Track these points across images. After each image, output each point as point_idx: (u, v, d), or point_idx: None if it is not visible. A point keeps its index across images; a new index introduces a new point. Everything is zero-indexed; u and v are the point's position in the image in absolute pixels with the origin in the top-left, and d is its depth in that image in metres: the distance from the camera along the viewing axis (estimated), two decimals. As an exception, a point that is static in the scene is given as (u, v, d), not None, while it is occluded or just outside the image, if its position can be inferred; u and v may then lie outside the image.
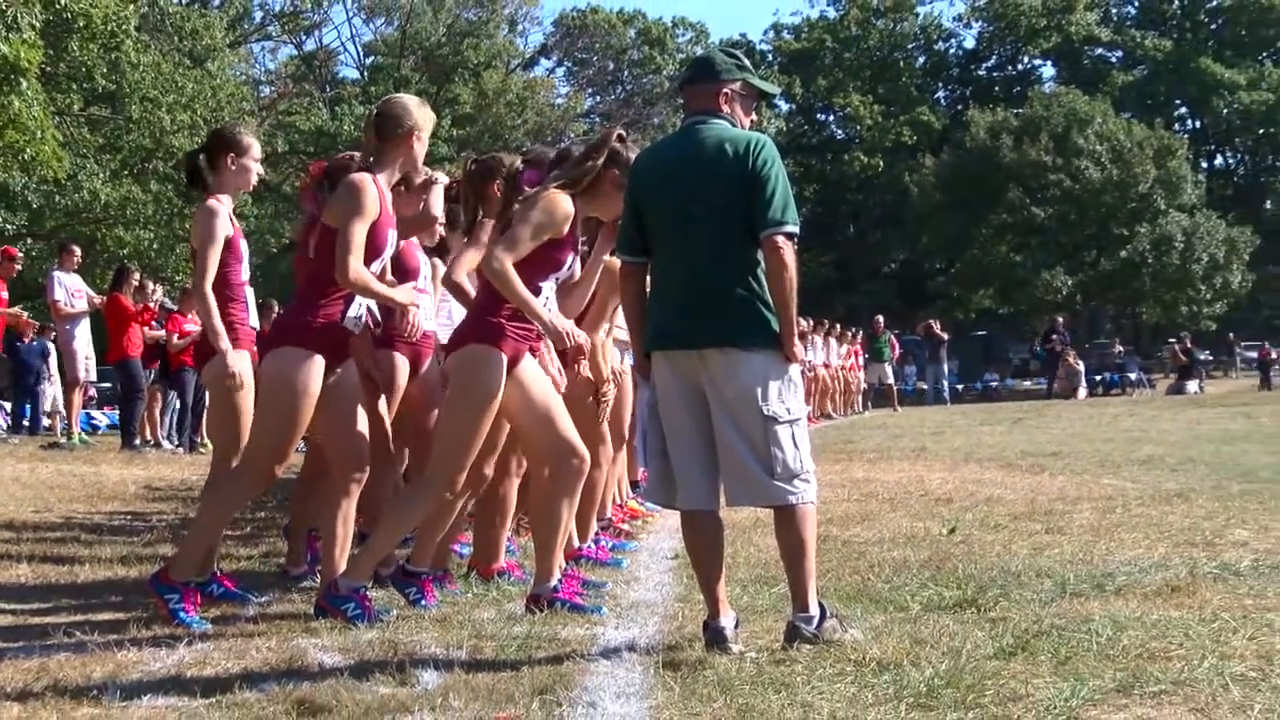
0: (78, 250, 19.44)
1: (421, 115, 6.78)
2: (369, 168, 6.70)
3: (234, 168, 7.30)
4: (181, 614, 6.50)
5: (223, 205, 7.24)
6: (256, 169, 7.45)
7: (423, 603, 6.86)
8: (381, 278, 6.82)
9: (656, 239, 5.90)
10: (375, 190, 6.55)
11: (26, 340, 20.98)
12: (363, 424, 6.76)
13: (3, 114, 22.76)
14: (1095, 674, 4.98)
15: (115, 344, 18.45)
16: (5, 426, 21.23)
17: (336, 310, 6.59)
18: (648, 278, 6.03)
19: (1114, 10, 78.65)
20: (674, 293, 5.81)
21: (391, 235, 6.77)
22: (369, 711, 4.76)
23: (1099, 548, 8.34)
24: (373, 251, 6.56)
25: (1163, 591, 6.71)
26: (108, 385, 34.02)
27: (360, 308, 6.71)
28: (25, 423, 21.44)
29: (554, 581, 6.67)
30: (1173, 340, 48.87)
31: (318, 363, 6.51)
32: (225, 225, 7.17)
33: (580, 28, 70.93)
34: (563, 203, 6.43)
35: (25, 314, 19.13)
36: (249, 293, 7.61)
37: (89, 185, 35.37)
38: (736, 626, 5.78)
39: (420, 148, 6.81)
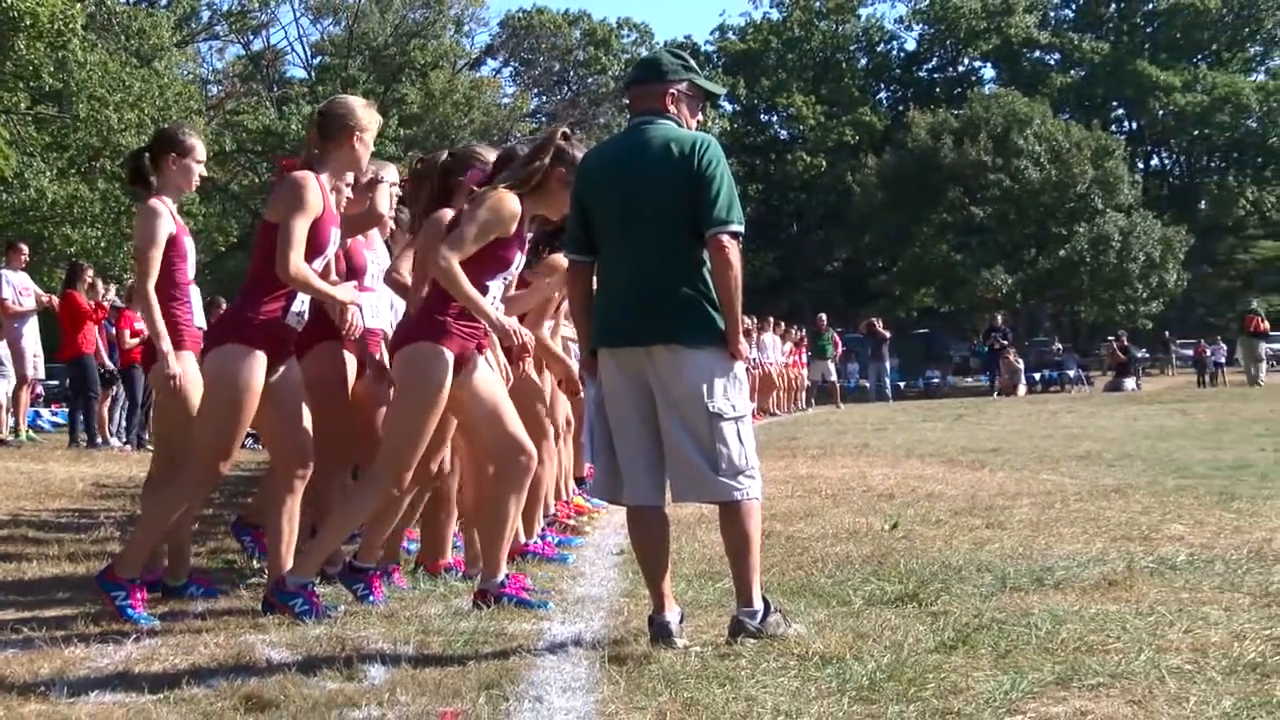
0: (25, 248, 19.30)
1: (365, 116, 6.75)
2: (311, 166, 6.67)
3: (176, 168, 7.24)
4: (129, 610, 6.46)
5: (165, 205, 7.18)
6: (199, 169, 7.38)
7: (370, 598, 6.84)
8: (324, 276, 6.79)
9: (603, 237, 5.90)
10: (318, 188, 6.52)
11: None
12: (306, 421, 6.73)
13: (-51, 113, 22.61)
14: (1035, 667, 5.00)
15: (69, 341, 18.33)
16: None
17: (278, 307, 6.55)
18: (594, 276, 6.04)
19: (1052, 13, 79.11)
20: (620, 291, 5.80)
21: (334, 234, 6.74)
22: (316, 706, 4.74)
23: (1038, 543, 8.39)
24: (314, 249, 6.52)
25: (1100, 586, 6.75)
26: (55, 383, 33.81)
27: (302, 305, 6.67)
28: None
29: (500, 577, 6.66)
30: (1110, 338, 49.18)
31: (260, 359, 6.47)
32: (168, 224, 7.10)
33: (526, 28, 70.92)
34: (509, 202, 6.42)
35: None
36: (194, 292, 7.56)
37: (36, 183, 35.17)
38: (681, 621, 5.78)
39: (363, 148, 6.77)
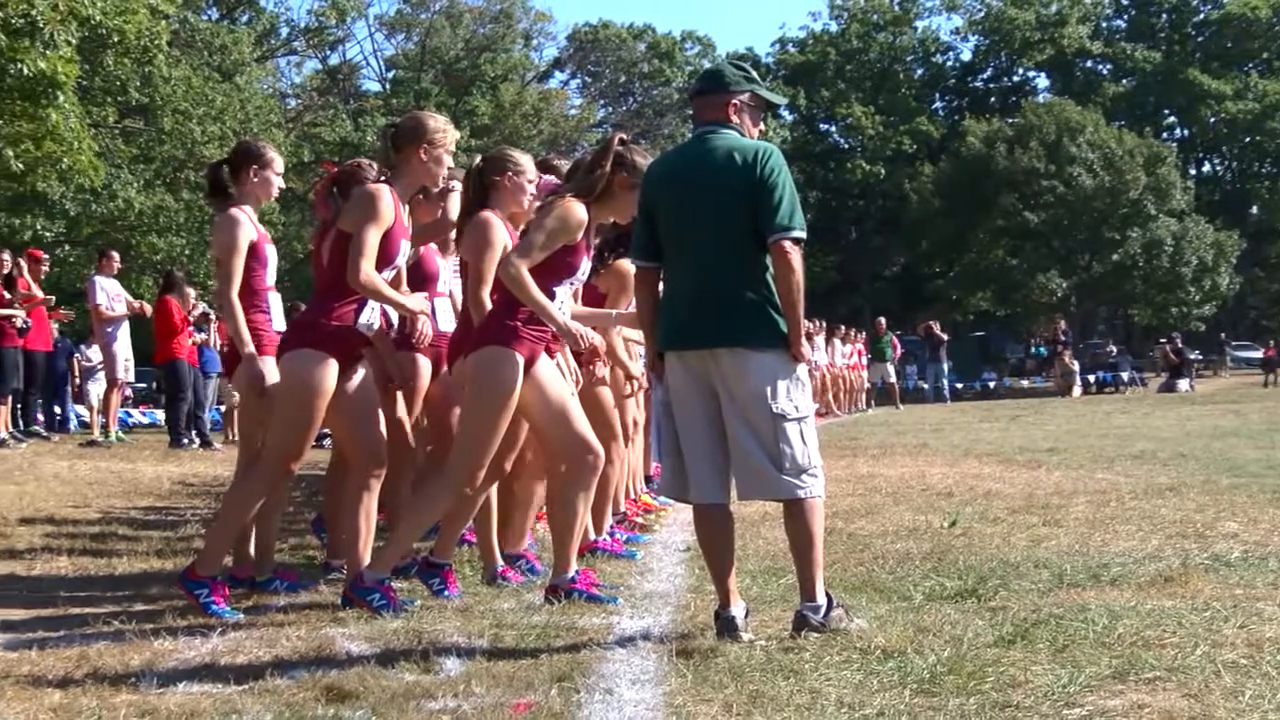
0: (116, 256, 19.46)
1: (436, 129, 6.75)
2: (386, 178, 6.69)
3: (256, 179, 7.30)
4: (213, 606, 6.50)
5: (245, 214, 7.22)
6: (278, 181, 7.44)
7: (445, 593, 6.86)
8: (395, 285, 6.81)
9: (669, 244, 5.90)
10: (391, 199, 6.53)
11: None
12: (379, 423, 6.77)
13: (41, 126, 22.79)
14: (1092, 661, 4.97)
15: (163, 346, 18.51)
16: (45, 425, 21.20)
17: (349, 313, 6.58)
18: (660, 281, 6.04)
19: (1105, 24, 78.55)
20: (686, 295, 5.80)
21: (405, 245, 6.75)
22: (395, 698, 4.75)
23: (1094, 540, 8.33)
24: (385, 259, 6.54)
25: (1156, 582, 6.69)
26: (143, 385, 34.12)
27: (373, 312, 6.69)
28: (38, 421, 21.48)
29: (571, 573, 6.67)
30: (1163, 340, 48.77)
31: (331, 364, 6.50)
32: (249, 232, 7.14)
33: (593, 42, 70.95)
34: (576, 211, 6.43)
35: (53, 299, 19.15)
36: (275, 298, 7.59)
37: (123, 194, 35.47)
38: (746, 616, 5.78)
39: (434, 161, 6.77)
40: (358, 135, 54.17)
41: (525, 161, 7.12)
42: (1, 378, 16.70)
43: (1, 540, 9.10)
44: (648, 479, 10.86)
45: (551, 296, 6.45)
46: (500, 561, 7.42)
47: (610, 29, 71.26)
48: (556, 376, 6.73)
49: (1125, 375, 47.46)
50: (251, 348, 6.96)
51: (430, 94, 60.77)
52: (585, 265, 6.71)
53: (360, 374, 6.71)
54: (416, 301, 6.91)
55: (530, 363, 6.52)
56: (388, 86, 67.54)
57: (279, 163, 7.47)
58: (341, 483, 7.97)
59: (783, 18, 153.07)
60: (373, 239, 6.43)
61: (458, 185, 7.54)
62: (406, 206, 6.87)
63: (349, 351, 6.60)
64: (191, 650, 5.73)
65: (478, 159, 7.18)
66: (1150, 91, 73.98)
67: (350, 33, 64.57)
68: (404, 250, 6.77)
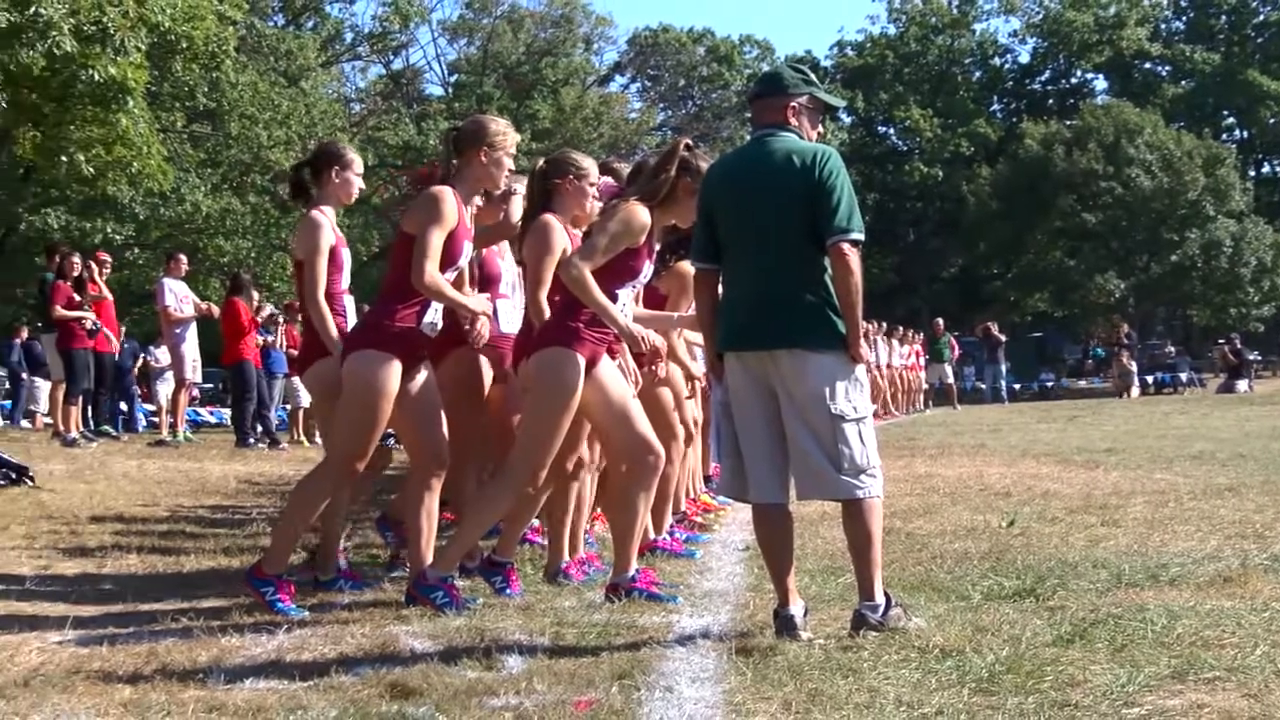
0: (184, 258, 19.62)
1: (497, 131, 6.78)
2: (448, 180, 6.71)
3: (338, 180, 7.37)
4: (279, 604, 6.54)
5: (326, 216, 7.29)
6: (358, 182, 7.50)
7: (507, 591, 6.88)
8: (458, 286, 6.83)
9: (728, 246, 5.90)
10: (454, 201, 6.56)
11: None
12: (441, 424, 6.79)
13: (111, 131, 22.97)
14: (1151, 661, 4.93)
15: (230, 347, 18.67)
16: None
17: (413, 314, 6.60)
18: (719, 283, 6.03)
19: (1163, 26, 77.89)
20: (745, 297, 5.81)
21: (467, 247, 6.78)
22: (457, 695, 4.77)
23: (1153, 540, 8.27)
24: (447, 260, 6.56)
25: (1215, 582, 6.64)
26: (210, 386, 34.37)
27: (436, 314, 6.71)
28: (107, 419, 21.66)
29: (631, 571, 6.68)
30: (1222, 341, 48.32)
31: (395, 365, 6.52)
32: (329, 236, 7.22)
33: (652, 46, 70.86)
34: (639, 214, 6.44)
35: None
36: (349, 300, 7.65)
37: (191, 198, 35.74)
38: (805, 615, 5.77)
39: (494, 164, 6.79)
40: (420, 139, 54.36)
41: (588, 165, 7.14)
42: (72, 378, 16.86)
43: (73, 538, 9.19)
44: (707, 479, 10.86)
45: (614, 298, 6.46)
46: (566, 558, 7.45)
47: (670, 33, 71.16)
48: (618, 377, 6.74)
49: (1184, 376, 47.07)
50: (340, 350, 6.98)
51: (492, 98, 60.87)
52: (647, 268, 6.72)
53: (423, 375, 6.74)
54: (479, 302, 6.93)
55: (592, 363, 6.53)
56: (450, 91, 67.70)
57: (359, 164, 7.54)
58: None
59: (841, 21, 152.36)
60: (436, 240, 6.46)
61: (520, 188, 7.56)
62: (469, 208, 6.89)
63: (413, 352, 6.63)
64: (258, 647, 5.78)
65: (540, 162, 7.21)
66: (1209, 93, 73.28)
67: (413, 38, 64.78)
68: (466, 251, 6.79)
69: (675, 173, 6.53)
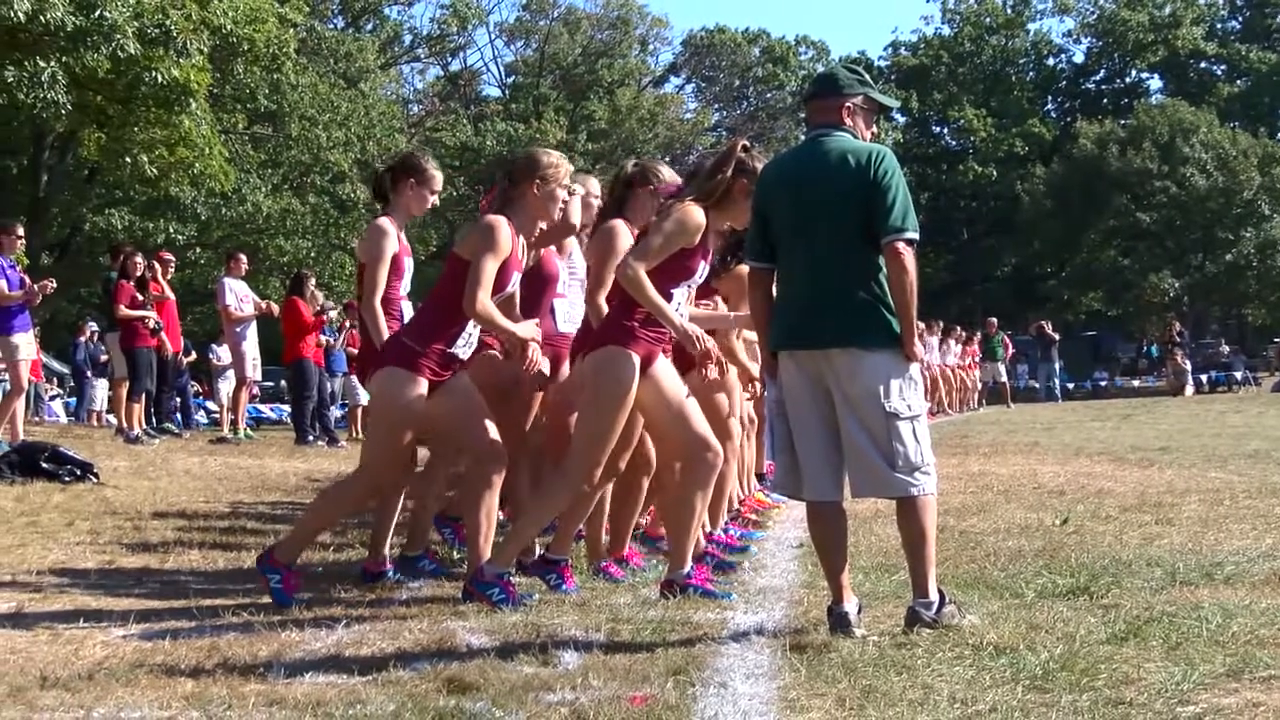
0: (244, 258, 19.73)
1: (549, 164, 6.79)
2: (503, 210, 6.71)
3: (412, 193, 7.48)
4: (281, 593, 6.62)
5: (392, 225, 7.34)
6: (432, 199, 7.61)
7: (562, 588, 6.88)
8: (506, 313, 6.82)
9: (782, 245, 5.89)
10: (509, 232, 6.57)
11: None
12: (486, 420, 6.79)
13: (174, 132, 23.20)
14: (1206, 659, 4.89)
15: (291, 346, 18.77)
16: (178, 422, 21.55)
17: (450, 336, 6.61)
18: (773, 282, 6.02)
19: (1219, 25, 77.26)
20: (799, 295, 5.79)
21: (515, 277, 6.77)
22: (514, 690, 4.78)
23: (1207, 538, 8.21)
24: (496, 288, 6.56)
25: (1270, 580, 6.59)
26: (270, 384, 34.59)
27: (471, 335, 6.72)
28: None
29: (687, 568, 6.67)
30: (1277, 340, 47.91)
31: (420, 384, 6.53)
32: (393, 244, 7.27)
33: (708, 47, 70.81)
34: (695, 214, 6.44)
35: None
36: (407, 307, 7.68)
37: (252, 198, 36.04)
38: (859, 612, 5.75)
39: (548, 199, 6.78)
40: (478, 140, 54.62)
41: (667, 175, 7.22)
42: (135, 377, 16.97)
43: (136, 534, 9.26)
44: (761, 477, 10.85)
45: (669, 298, 6.46)
46: (605, 556, 7.47)
47: (725, 34, 71.09)
48: (674, 376, 6.74)
49: (1238, 375, 46.65)
50: None
51: (549, 99, 61.04)
52: (703, 268, 6.72)
53: (456, 378, 6.71)
54: (527, 329, 6.91)
55: (647, 362, 6.54)
56: (507, 92, 67.91)
57: (437, 181, 7.63)
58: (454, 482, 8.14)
59: (895, 22, 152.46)
60: (490, 269, 6.47)
61: (579, 189, 7.56)
62: (521, 239, 6.88)
63: (440, 372, 6.62)
64: (317, 642, 5.80)
65: (629, 164, 7.27)
66: (1265, 92, 72.65)
67: (471, 40, 65.12)
68: (514, 282, 6.79)
69: (731, 174, 6.51)
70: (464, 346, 6.69)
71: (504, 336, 6.86)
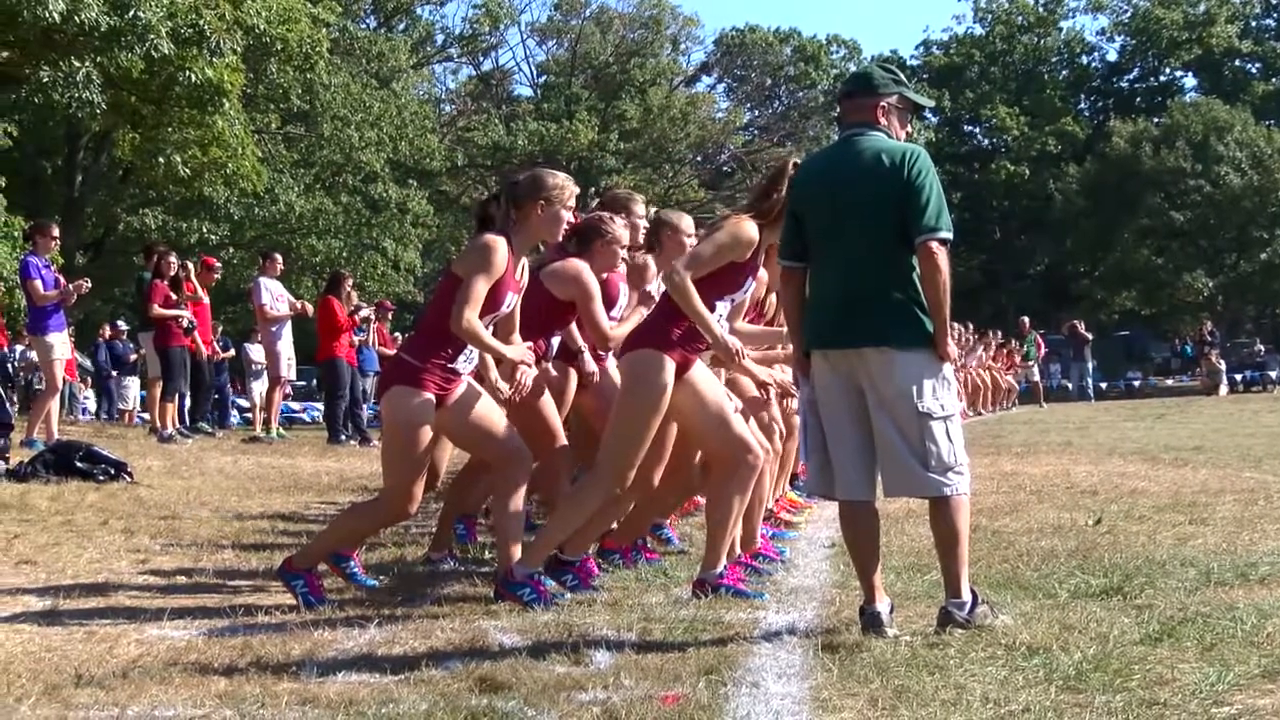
0: (279, 258, 19.78)
1: (554, 185, 6.73)
2: (504, 231, 6.68)
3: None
4: (309, 597, 6.66)
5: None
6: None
7: (580, 588, 6.87)
8: (501, 336, 6.80)
9: (816, 244, 5.88)
10: (505, 252, 6.55)
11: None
12: (503, 423, 6.83)
13: (207, 132, 23.31)
14: (1240, 660, 4.88)
15: (325, 345, 18.82)
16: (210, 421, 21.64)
17: (450, 353, 6.61)
18: (807, 281, 6.01)
19: (1254, 23, 76.85)
20: (832, 295, 5.79)
21: (511, 297, 6.72)
22: (546, 689, 4.79)
23: (1242, 538, 8.18)
24: (489, 307, 6.55)
25: (1306, 581, 6.56)
26: (303, 384, 34.69)
27: (472, 352, 6.71)
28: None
29: (720, 568, 6.67)
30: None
31: (428, 400, 6.54)
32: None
33: (739, 46, 70.68)
34: (748, 228, 6.45)
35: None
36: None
37: (285, 198, 36.20)
38: (891, 611, 5.74)
39: (552, 220, 6.73)
40: (509, 140, 54.68)
41: (686, 225, 7.51)
42: (169, 376, 17.03)
43: (170, 533, 9.30)
44: (794, 477, 10.83)
45: (711, 309, 6.46)
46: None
47: (756, 33, 70.94)
48: (711, 379, 6.75)
49: (1273, 374, 46.40)
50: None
51: (580, 98, 61.04)
52: (750, 284, 6.74)
53: (463, 386, 6.70)
54: (517, 351, 6.88)
55: (683, 367, 6.55)
56: (539, 92, 67.91)
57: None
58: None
59: (927, 20, 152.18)
60: (480, 289, 6.45)
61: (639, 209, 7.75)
62: (520, 260, 6.83)
63: (446, 387, 6.63)
64: (350, 640, 5.82)
65: (654, 212, 7.36)
66: (1300, 90, 72.36)
67: (503, 39, 65.12)
68: (509, 302, 6.73)
69: (785, 192, 6.46)
70: (465, 362, 6.69)
71: (493, 356, 6.86)
